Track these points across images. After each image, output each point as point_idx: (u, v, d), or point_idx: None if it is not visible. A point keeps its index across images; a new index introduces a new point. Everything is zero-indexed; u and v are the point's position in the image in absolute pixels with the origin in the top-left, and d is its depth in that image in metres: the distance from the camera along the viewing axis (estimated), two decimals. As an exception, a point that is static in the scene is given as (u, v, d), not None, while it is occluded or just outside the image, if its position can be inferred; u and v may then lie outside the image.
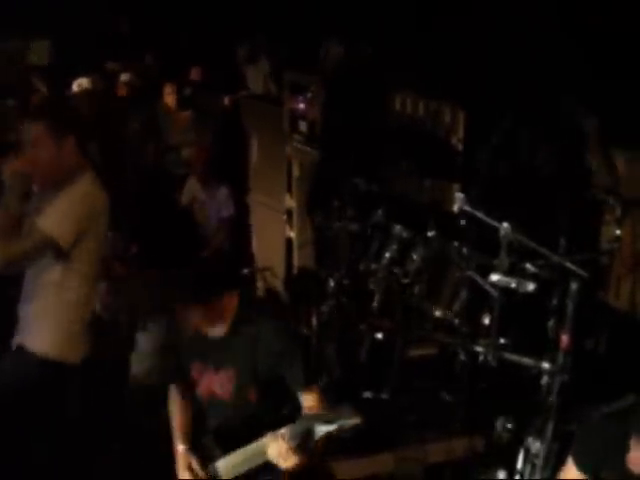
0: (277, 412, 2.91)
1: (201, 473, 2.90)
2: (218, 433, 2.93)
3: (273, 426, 2.68)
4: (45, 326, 3.20)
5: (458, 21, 5.64)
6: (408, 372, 4.46)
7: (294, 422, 2.64)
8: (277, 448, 2.61)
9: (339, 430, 2.54)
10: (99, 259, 3.33)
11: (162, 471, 3.09)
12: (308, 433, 2.57)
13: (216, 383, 2.92)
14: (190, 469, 2.91)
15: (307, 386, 2.86)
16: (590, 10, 4.90)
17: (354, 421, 2.55)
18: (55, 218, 3.06)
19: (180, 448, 2.98)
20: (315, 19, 7.28)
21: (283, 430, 2.62)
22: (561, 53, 5.03)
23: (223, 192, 5.85)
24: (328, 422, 2.55)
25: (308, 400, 2.85)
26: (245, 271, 6.05)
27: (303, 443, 2.60)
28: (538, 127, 4.96)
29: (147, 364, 4.05)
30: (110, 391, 3.67)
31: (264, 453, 2.67)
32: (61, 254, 3.12)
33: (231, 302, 2.89)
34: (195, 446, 2.98)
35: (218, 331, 2.92)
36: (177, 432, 3.04)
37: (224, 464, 2.88)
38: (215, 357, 2.93)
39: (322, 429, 2.55)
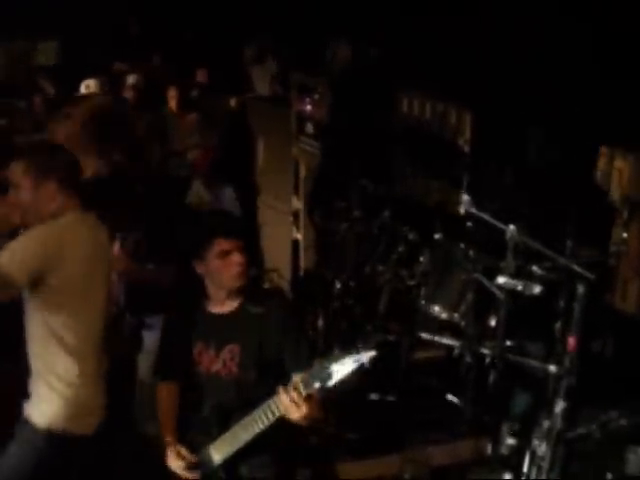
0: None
1: (191, 457, 2.94)
2: (216, 412, 2.96)
3: None
4: (42, 394, 2.93)
5: (464, 22, 5.63)
6: (414, 374, 4.46)
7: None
8: (289, 398, 2.65)
9: (358, 367, 2.53)
10: (93, 328, 2.99)
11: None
12: (327, 375, 2.58)
13: (219, 361, 2.98)
14: (180, 456, 2.95)
15: (306, 368, 2.84)
16: (599, 10, 4.89)
17: (371, 354, 2.53)
18: (10, 252, 2.75)
19: (169, 439, 3.02)
20: (322, 20, 7.28)
21: (296, 378, 2.67)
22: (568, 53, 5.02)
23: (229, 194, 5.84)
24: (344, 360, 2.53)
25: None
26: (252, 272, 6.05)
27: (320, 388, 2.62)
28: (547, 128, 4.96)
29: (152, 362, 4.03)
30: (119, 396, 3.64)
31: (267, 415, 2.73)
32: (30, 303, 2.86)
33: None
34: (191, 427, 3.04)
35: (227, 308, 3.00)
36: (165, 424, 3.09)
37: (220, 445, 2.92)
38: (220, 334, 2.99)
39: (341, 368, 2.54)
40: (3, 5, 8.31)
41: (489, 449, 4.01)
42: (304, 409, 2.66)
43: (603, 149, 4.62)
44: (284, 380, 2.80)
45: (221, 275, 2.97)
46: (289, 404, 2.66)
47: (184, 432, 3.05)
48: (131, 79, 7.48)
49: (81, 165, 3.12)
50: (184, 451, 2.96)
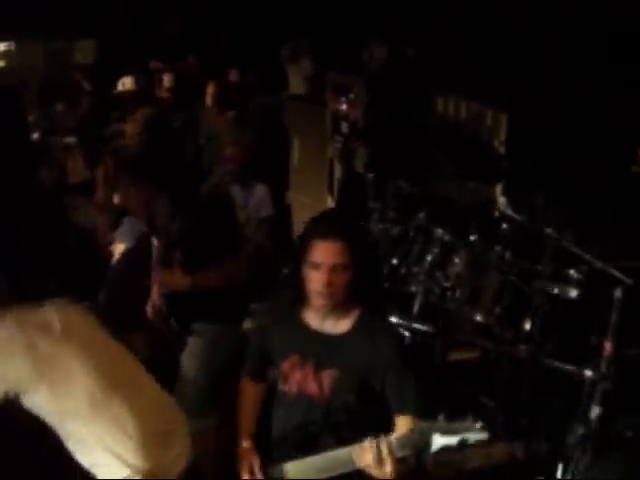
0: (365, 424, 2.64)
1: (260, 476, 2.74)
2: (300, 433, 2.74)
3: (358, 436, 2.48)
4: None
5: (500, 24, 5.60)
6: (448, 376, 4.44)
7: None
8: (374, 455, 2.38)
9: (460, 444, 2.29)
10: None
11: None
12: (424, 444, 2.34)
13: (314, 381, 2.72)
14: (250, 471, 2.75)
15: (410, 412, 2.62)
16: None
17: (480, 436, 2.31)
18: None
19: (244, 445, 2.84)
20: (358, 20, 7.27)
21: (391, 438, 2.42)
22: (605, 54, 4.97)
23: (262, 192, 5.86)
24: (449, 433, 2.30)
25: (402, 426, 2.59)
26: (285, 271, 6.07)
27: (415, 454, 2.42)
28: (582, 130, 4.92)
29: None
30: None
31: (350, 461, 2.46)
32: None
33: (356, 305, 2.75)
34: (264, 443, 2.85)
35: (332, 327, 2.76)
36: (243, 428, 2.90)
37: (295, 467, 2.68)
38: (323, 355, 2.72)
39: (441, 441, 2.30)
40: (41, 5, 8.42)
41: (523, 453, 3.99)
42: (388, 470, 2.38)
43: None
44: (381, 416, 2.63)
45: (307, 285, 2.70)
46: (373, 461, 2.38)
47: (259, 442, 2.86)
48: (167, 81, 7.55)
49: None
50: (256, 464, 2.75)
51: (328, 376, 2.69)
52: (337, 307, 2.72)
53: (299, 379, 2.74)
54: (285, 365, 2.77)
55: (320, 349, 2.72)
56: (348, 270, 2.65)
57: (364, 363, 2.66)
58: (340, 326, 2.75)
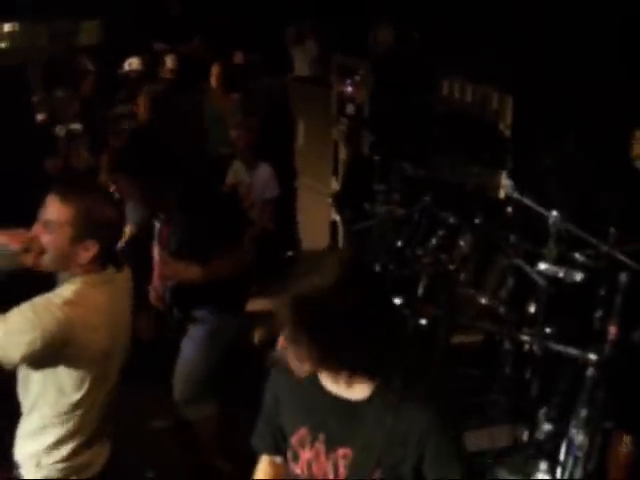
0: None
1: None
2: None
3: None
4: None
5: (506, 5, 5.57)
6: (451, 359, 4.45)
7: None
8: None
9: None
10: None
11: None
12: None
13: (328, 464, 2.15)
14: None
15: None
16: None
17: None
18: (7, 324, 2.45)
19: None
20: (364, 2, 7.24)
21: None
22: (607, 37, 4.95)
23: (267, 174, 5.86)
24: None
25: None
26: (289, 254, 6.08)
27: None
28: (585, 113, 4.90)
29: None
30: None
31: None
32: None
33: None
34: None
35: (347, 392, 2.10)
36: None
37: None
38: (337, 427, 2.13)
39: None
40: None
41: (526, 436, 3.99)
42: None
43: (637, 133, 4.52)
44: None
45: None
46: None
47: None
48: (169, 62, 7.52)
49: None
50: None
51: (341, 456, 2.13)
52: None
53: (308, 457, 2.18)
54: (294, 439, 2.22)
55: (335, 420, 2.13)
56: None
57: (384, 440, 2.05)
58: (359, 389, 2.10)
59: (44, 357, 2.46)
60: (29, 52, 8.43)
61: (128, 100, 6.38)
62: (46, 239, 2.53)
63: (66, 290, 2.54)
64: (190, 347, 3.89)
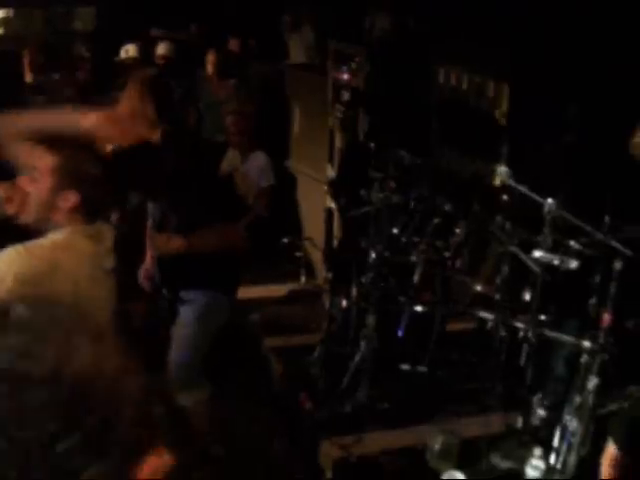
0: None
1: None
2: None
3: None
4: None
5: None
6: (446, 346, 4.46)
7: None
8: None
9: None
10: None
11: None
12: None
13: None
14: None
15: None
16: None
17: None
18: None
19: None
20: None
21: None
22: (608, 28, 4.93)
23: (263, 161, 5.85)
24: None
25: None
26: (285, 240, 6.08)
27: None
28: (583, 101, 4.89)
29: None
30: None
31: None
32: None
33: None
34: None
35: None
36: None
37: None
38: None
39: None
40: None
41: (520, 422, 4.01)
42: None
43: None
44: None
45: None
46: None
47: None
48: (161, 48, 7.46)
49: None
50: None
51: None
52: None
53: None
54: None
55: None
56: None
57: None
58: None
59: None
60: (24, 38, 8.39)
61: (123, 87, 6.35)
62: (29, 188, 2.54)
63: (53, 235, 2.53)
64: (181, 331, 3.86)
